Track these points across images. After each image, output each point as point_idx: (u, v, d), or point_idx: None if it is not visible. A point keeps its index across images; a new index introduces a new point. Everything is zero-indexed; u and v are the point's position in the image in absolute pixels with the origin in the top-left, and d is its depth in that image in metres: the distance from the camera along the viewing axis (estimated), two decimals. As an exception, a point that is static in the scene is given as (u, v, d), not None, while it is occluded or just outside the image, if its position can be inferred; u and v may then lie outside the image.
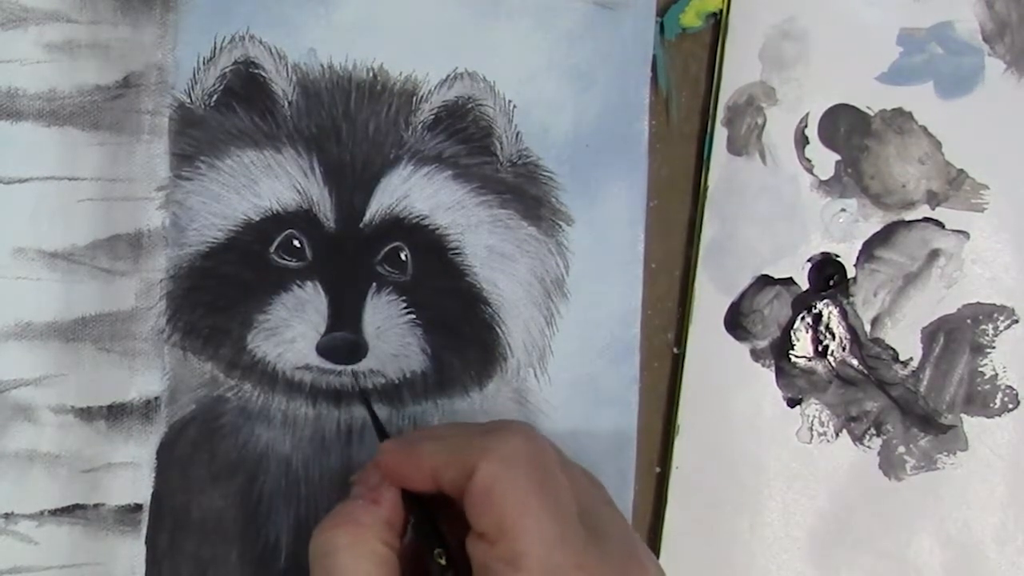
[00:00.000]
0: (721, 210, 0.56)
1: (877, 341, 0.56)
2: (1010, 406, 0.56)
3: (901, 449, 0.56)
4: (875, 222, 0.56)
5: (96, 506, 0.52)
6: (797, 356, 0.56)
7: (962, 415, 0.56)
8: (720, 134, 0.56)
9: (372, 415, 0.49)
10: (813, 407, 0.56)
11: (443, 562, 0.43)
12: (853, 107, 0.56)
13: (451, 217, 0.54)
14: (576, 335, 0.54)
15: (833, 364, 0.56)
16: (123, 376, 0.52)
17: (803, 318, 0.56)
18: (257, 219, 0.52)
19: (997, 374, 0.56)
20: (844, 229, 0.56)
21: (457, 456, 0.43)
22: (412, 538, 0.45)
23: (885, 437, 0.56)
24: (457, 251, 0.54)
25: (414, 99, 0.53)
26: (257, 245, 0.52)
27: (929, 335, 0.56)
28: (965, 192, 0.56)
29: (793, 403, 0.56)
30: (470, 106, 0.54)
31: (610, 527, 0.44)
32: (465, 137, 0.54)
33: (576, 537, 0.41)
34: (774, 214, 0.56)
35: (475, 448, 0.43)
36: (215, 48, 0.52)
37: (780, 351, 0.56)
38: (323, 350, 0.52)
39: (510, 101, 0.54)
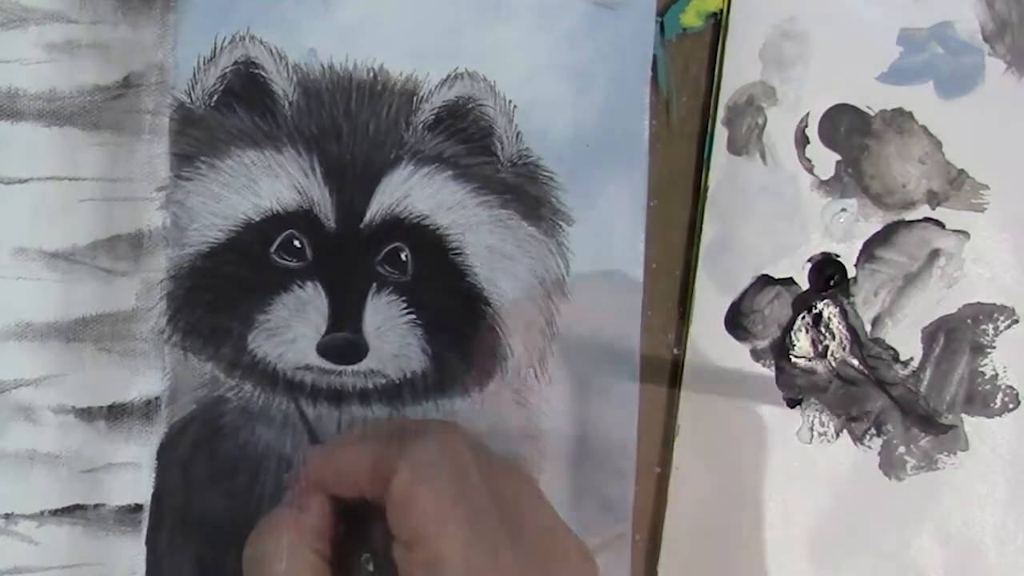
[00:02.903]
0: (721, 210, 0.56)
1: (877, 341, 0.56)
2: (1010, 406, 0.56)
3: (901, 449, 0.56)
4: (875, 222, 0.56)
5: (96, 506, 0.52)
6: (797, 356, 0.56)
7: (962, 415, 0.56)
8: (720, 134, 0.56)
9: (303, 417, 0.49)
10: (813, 407, 0.56)
11: (371, 568, 0.44)
12: (853, 107, 0.56)
13: (451, 217, 0.53)
14: (576, 335, 0.54)
15: (833, 364, 0.56)
16: (123, 376, 0.52)
17: (803, 318, 0.56)
18: (257, 219, 0.52)
19: (997, 374, 0.56)
20: (844, 229, 0.56)
21: (375, 464, 0.43)
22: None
23: (885, 437, 0.56)
24: (457, 251, 0.54)
25: (414, 99, 0.53)
26: (257, 245, 0.52)
27: (929, 335, 0.56)
28: (965, 192, 0.56)
29: (793, 403, 0.56)
30: (470, 106, 0.54)
31: (530, 523, 0.44)
32: (465, 137, 0.54)
33: (493, 538, 0.42)
34: (774, 214, 0.56)
35: (391, 456, 0.43)
36: (215, 48, 0.52)
37: (780, 351, 0.56)
38: (323, 350, 0.52)
39: (510, 101, 0.54)
